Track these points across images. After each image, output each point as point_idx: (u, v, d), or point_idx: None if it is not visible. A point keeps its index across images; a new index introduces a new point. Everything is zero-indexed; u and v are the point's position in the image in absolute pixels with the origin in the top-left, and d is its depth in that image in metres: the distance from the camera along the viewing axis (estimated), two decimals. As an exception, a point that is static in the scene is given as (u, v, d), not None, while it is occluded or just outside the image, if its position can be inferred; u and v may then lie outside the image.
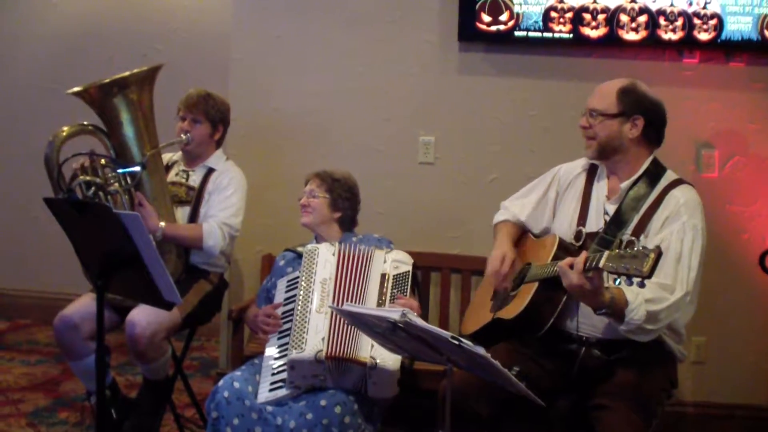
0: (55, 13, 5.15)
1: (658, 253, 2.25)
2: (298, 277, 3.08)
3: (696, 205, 2.72)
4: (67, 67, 4.94)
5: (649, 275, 2.25)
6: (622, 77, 2.84)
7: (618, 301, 2.46)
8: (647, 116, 2.77)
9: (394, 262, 3.07)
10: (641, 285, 2.31)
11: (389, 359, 2.81)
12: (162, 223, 3.29)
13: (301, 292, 2.99)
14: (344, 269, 3.03)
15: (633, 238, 2.67)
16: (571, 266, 2.40)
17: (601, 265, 2.35)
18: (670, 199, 2.71)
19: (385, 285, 3.01)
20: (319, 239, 3.23)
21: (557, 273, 2.49)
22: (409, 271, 3.06)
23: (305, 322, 2.91)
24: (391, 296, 2.99)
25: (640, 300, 2.46)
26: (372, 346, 2.81)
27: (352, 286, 3.01)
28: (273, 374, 2.93)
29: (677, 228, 2.65)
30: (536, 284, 2.70)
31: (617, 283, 2.38)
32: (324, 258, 3.05)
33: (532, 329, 2.72)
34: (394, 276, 3.03)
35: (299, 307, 2.95)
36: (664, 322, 2.55)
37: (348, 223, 3.29)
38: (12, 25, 5.20)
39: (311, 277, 3.02)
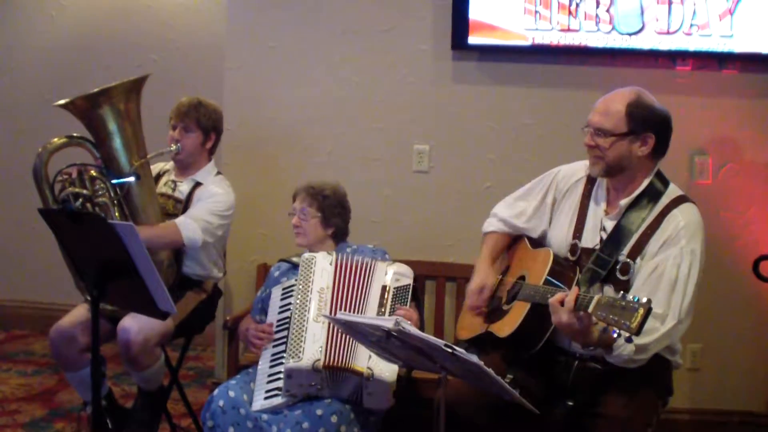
0: (52, 25, 5.16)
1: (647, 309, 2.19)
2: (293, 286, 3.08)
3: (697, 227, 2.59)
4: (64, 79, 4.94)
5: (637, 332, 2.20)
6: (630, 86, 2.69)
7: (607, 337, 2.38)
8: (657, 132, 2.62)
9: (395, 274, 3.06)
10: (628, 340, 2.26)
11: (386, 370, 2.81)
12: None
13: (298, 301, 2.99)
14: (342, 279, 3.02)
15: (629, 260, 2.59)
16: (562, 303, 2.38)
17: (590, 309, 2.31)
18: (670, 221, 2.59)
19: (386, 297, 3.00)
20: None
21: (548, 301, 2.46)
22: (409, 285, 3.06)
23: (302, 330, 2.90)
24: (391, 308, 2.98)
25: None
26: (369, 356, 2.80)
27: (352, 296, 3.00)
28: (268, 382, 2.93)
29: (674, 253, 2.54)
30: (528, 305, 2.65)
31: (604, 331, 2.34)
32: (321, 267, 3.05)
33: (525, 348, 2.69)
34: (394, 288, 3.03)
35: (296, 316, 2.95)
36: (653, 351, 2.50)
37: (341, 235, 3.29)
38: (9, 37, 5.21)
39: (308, 286, 3.01)
